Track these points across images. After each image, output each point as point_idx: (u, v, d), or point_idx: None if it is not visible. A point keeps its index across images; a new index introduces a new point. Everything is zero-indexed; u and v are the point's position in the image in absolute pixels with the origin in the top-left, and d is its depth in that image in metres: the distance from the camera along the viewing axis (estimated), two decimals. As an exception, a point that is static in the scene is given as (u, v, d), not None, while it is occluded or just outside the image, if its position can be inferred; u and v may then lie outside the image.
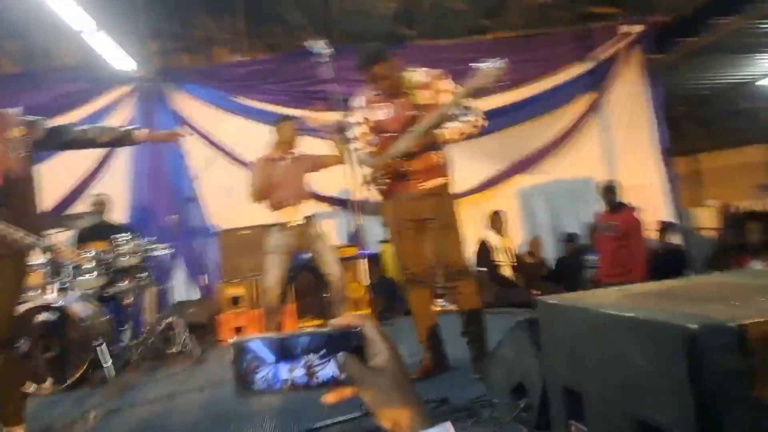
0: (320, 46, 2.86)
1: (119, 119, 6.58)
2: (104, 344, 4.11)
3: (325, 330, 0.71)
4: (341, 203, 6.52)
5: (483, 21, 7.79)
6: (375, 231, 5.80)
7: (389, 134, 3.22)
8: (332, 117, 5.28)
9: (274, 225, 4.39)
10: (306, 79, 6.79)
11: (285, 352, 0.71)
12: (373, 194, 3.41)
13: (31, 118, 2.78)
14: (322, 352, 0.70)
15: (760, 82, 9.53)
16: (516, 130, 7.18)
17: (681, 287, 1.79)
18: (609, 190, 5.53)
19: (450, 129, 3.11)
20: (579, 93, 7.31)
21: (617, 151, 7.31)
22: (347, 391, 0.69)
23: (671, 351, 1.25)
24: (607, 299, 1.68)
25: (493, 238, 6.10)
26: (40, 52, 7.85)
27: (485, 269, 5.89)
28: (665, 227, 6.41)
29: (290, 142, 4.50)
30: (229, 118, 6.81)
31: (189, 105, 6.83)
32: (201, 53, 8.93)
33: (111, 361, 4.10)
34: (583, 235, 6.92)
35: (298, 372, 0.70)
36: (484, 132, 6.94)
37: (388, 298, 5.92)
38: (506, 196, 7.16)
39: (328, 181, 6.55)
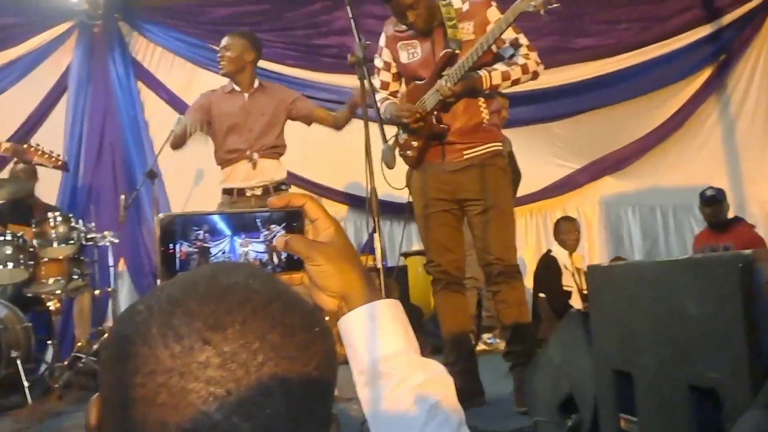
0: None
1: (56, 64, 7.07)
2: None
3: (274, 208, 0.96)
4: (351, 199, 6.88)
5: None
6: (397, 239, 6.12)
7: (419, 81, 3.54)
8: (348, 81, 5.62)
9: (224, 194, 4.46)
10: (314, 27, 7.23)
11: (241, 226, 0.95)
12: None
13: None
14: (280, 227, 0.94)
15: None
16: (602, 116, 7.44)
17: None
18: (712, 201, 5.73)
19: (495, 71, 3.38)
20: (692, 69, 7.52)
21: (743, 153, 7.50)
22: (295, 277, 0.93)
23: (725, 285, 1.57)
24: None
25: (561, 255, 6.27)
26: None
27: (546, 295, 6.07)
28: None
29: (247, 67, 4.44)
30: (204, 75, 7.17)
31: (151, 54, 7.28)
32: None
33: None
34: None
35: (258, 246, 0.94)
36: (558, 115, 7.25)
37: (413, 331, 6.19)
38: (584, 205, 7.43)
39: (333, 171, 6.92)
